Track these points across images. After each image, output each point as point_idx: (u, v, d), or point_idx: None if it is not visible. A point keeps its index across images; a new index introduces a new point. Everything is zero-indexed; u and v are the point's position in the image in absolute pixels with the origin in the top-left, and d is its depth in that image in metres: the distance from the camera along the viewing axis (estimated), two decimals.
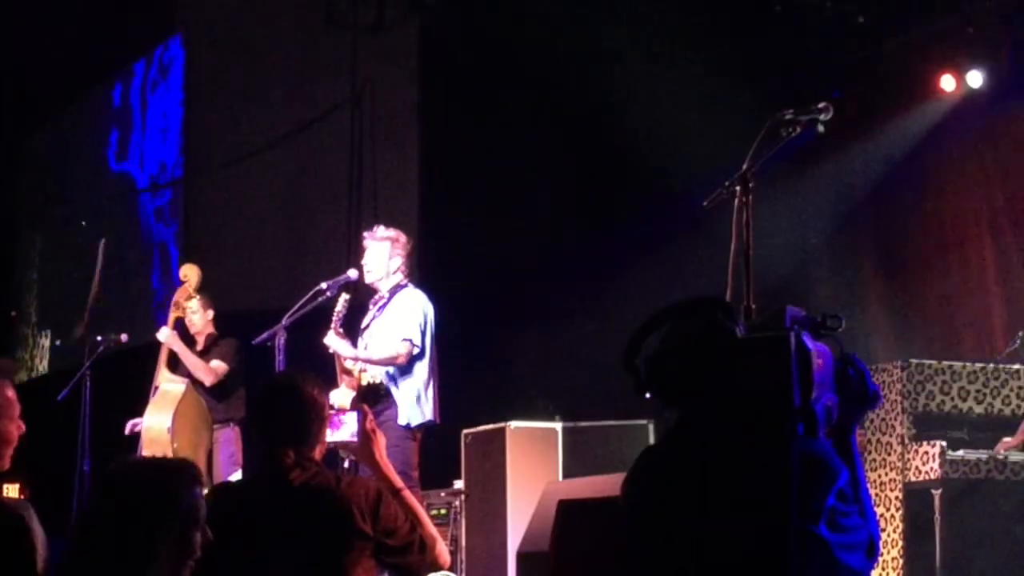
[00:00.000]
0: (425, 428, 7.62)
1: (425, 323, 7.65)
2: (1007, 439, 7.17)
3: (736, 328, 3.07)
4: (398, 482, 4.20)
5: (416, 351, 7.56)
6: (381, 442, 4.22)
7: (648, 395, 3.13)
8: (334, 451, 4.47)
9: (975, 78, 8.78)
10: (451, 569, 8.38)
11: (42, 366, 13.85)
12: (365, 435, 4.18)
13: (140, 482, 3.08)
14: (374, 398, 7.46)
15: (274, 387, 4.22)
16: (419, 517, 4.13)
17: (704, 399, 3.08)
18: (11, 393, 3.43)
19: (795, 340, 2.96)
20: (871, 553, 3.06)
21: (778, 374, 2.95)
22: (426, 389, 7.58)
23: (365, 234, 7.94)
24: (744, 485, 2.99)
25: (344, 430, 4.22)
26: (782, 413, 2.95)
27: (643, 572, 3.12)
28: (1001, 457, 7.08)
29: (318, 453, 4.09)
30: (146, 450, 8.31)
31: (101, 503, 3.09)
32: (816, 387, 2.97)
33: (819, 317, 3.15)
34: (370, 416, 4.25)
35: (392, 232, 7.83)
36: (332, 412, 4.19)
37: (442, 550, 4.18)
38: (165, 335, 8.66)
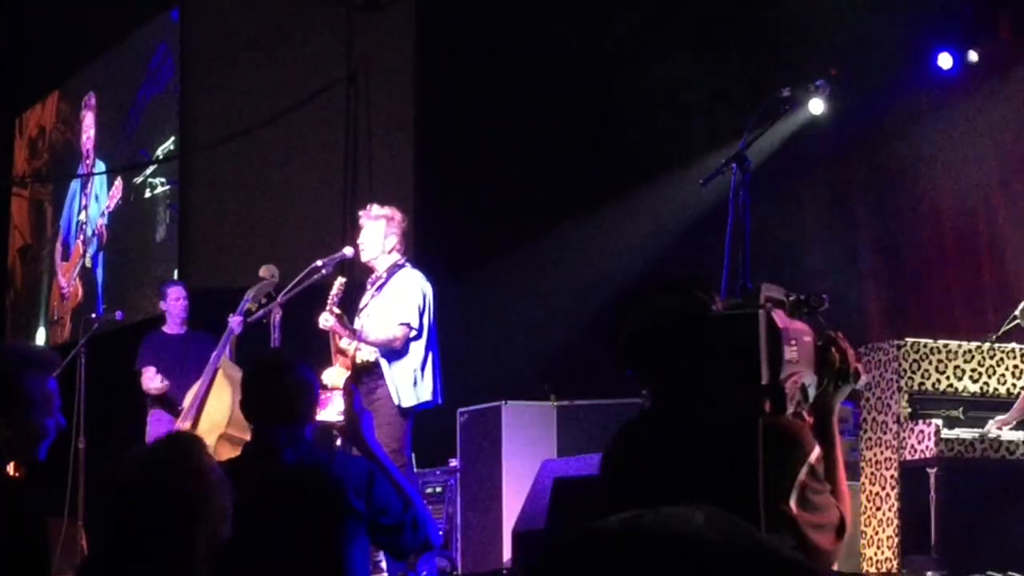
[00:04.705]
0: (424, 408, 7.59)
1: (424, 304, 7.62)
2: (1001, 416, 7.16)
3: (713, 306, 3.07)
4: (387, 461, 4.20)
5: (413, 334, 7.54)
6: (369, 421, 4.21)
7: (628, 372, 3.14)
8: (327, 430, 4.47)
9: (973, 56, 8.75)
10: (446, 547, 8.40)
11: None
12: (352, 414, 4.18)
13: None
14: (368, 377, 7.45)
15: (265, 366, 4.21)
16: (409, 496, 4.13)
17: (678, 377, 3.08)
18: (52, 386, 3.42)
19: (764, 317, 2.96)
20: (841, 533, 3.06)
21: (746, 351, 2.94)
22: (423, 370, 7.55)
23: (360, 212, 7.91)
24: (714, 462, 2.99)
25: (331, 409, 4.22)
26: (749, 390, 2.95)
27: None
28: (993, 436, 7.07)
29: (310, 432, 4.09)
30: (203, 424, 8.29)
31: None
32: (786, 365, 2.96)
33: (803, 296, 3.14)
34: (357, 396, 4.24)
35: (387, 210, 7.80)
36: (321, 391, 4.18)
37: (433, 529, 4.18)
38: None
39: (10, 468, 6.91)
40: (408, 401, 7.47)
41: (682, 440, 3.05)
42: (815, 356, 3.08)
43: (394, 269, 7.74)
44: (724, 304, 3.10)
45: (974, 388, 7.34)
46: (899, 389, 7.25)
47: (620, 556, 1.27)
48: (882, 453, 7.27)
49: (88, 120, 13.52)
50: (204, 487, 2.98)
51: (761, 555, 1.27)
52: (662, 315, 3.08)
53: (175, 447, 3.05)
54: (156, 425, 8.93)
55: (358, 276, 8.09)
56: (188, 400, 8.50)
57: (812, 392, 3.08)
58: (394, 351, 7.51)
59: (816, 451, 3.02)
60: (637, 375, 3.14)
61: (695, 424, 3.05)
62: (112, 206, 12.96)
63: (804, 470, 2.98)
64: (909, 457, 7.14)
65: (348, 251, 7.83)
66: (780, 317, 3.00)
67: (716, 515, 1.29)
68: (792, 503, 2.96)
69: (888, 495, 7.21)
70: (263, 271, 8.48)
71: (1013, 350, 7.43)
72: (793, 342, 3.00)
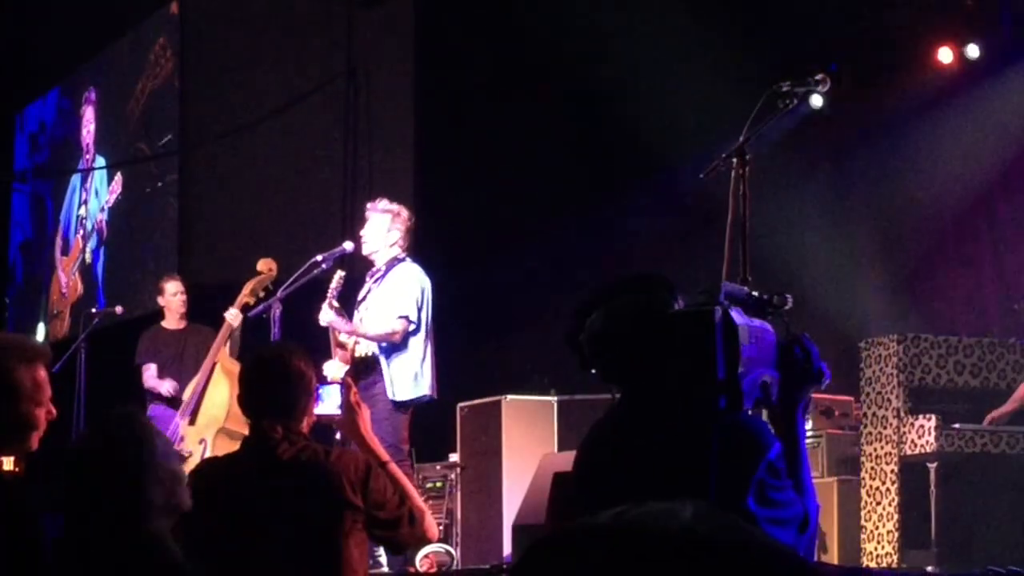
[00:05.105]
0: (421, 403, 7.59)
1: (422, 298, 7.62)
2: (996, 411, 7.17)
3: (675, 304, 3.09)
4: (383, 455, 4.19)
5: (412, 327, 7.54)
6: (365, 415, 4.21)
7: (592, 371, 3.16)
8: (327, 425, 4.46)
9: (973, 51, 8.74)
10: (444, 541, 8.40)
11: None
12: (349, 408, 4.17)
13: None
14: (367, 371, 7.45)
15: (261, 360, 4.19)
16: (406, 490, 4.12)
17: (641, 375, 3.10)
18: (42, 376, 3.44)
19: (720, 314, 2.97)
20: (804, 528, 3.07)
21: (703, 347, 2.96)
22: (422, 364, 7.55)
23: (368, 205, 7.93)
24: (672, 460, 3.01)
25: (328, 403, 4.21)
26: (706, 387, 2.97)
27: None
28: (992, 429, 7.07)
29: (306, 426, 4.08)
30: (201, 419, 8.30)
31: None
32: (745, 362, 2.98)
33: (765, 296, 3.16)
34: (354, 389, 4.23)
35: (394, 206, 7.81)
36: (317, 385, 4.17)
37: (430, 523, 4.17)
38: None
39: (10, 464, 6.92)
40: (406, 395, 7.46)
41: (645, 438, 3.08)
42: (777, 354, 3.10)
43: (393, 263, 7.74)
44: (686, 303, 3.12)
45: (974, 383, 7.34)
46: (899, 384, 7.25)
47: (609, 552, 1.26)
48: (882, 448, 7.27)
49: (88, 114, 13.52)
50: (144, 453, 3.06)
51: (751, 547, 1.26)
52: (624, 314, 3.10)
53: (111, 423, 3.18)
54: (155, 421, 8.93)
55: (358, 271, 8.08)
56: (187, 395, 8.50)
57: (774, 390, 3.09)
58: (394, 346, 7.52)
59: (776, 448, 3.03)
60: (601, 374, 3.16)
61: (657, 422, 3.07)
62: (112, 201, 12.96)
63: (762, 467, 2.99)
64: (909, 452, 7.15)
65: (348, 246, 7.83)
66: (738, 315, 3.01)
67: (704, 508, 1.28)
68: (750, 500, 2.97)
69: (888, 490, 7.21)
70: (262, 265, 8.47)
71: (1013, 345, 7.43)
72: (753, 339, 3.01)
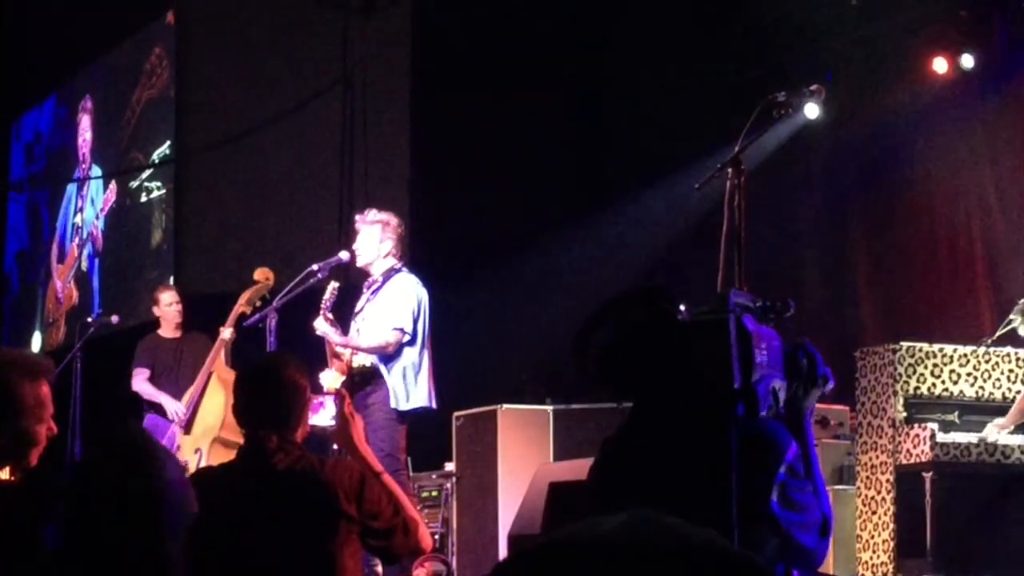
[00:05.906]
0: (417, 413, 7.58)
1: (418, 309, 7.61)
2: (999, 420, 7.17)
3: (679, 315, 3.10)
4: (377, 465, 4.20)
5: (407, 339, 7.53)
6: (359, 425, 4.21)
7: (601, 388, 3.17)
8: (321, 434, 4.46)
9: (967, 61, 8.76)
10: (440, 550, 8.39)
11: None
12: (343, 418, 4.17)
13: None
14: (363, 381, 7.44)
15: (256, 370, 4.20)
16: (401, 500, 4.12)
17: (652, 387, 3.11)
18: (45, 392, 3.43)
19: (735, 322, 3.00)
20: (824, 532, 3.09)
21: (718, 356, 2.98)
22: (417, 374, 7.54)
23: (357, 217, 7.91)
24: (691, 470, 3.03)
25: (323, 414, 4.22)
26: (723, 394, 2.99)
27: None
28: (991, 440, 7.08)
29: (300, 436, 4.09)
30: (196, 429, 8.29)
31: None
32: (758, 369, 3.00)
33: (768, 302, 3.18)
34: (348, 400, 4.24)
35: (384, 215, 7.80)
36: (313, 396, 4.17)
37: (424, 533, 4.18)
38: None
39: (5, 473, 6.89)
40: (403, 405, 7.46)
41: (662, 449, 3.09)
42: (784, 361, 3.12)
43: (390, 273, 7.73)
44: (691, 311, 3.14)
45: (970, 392, 7.34)
46: (895, 393, 7.25)
47: (543, 567, 1.29)
48: (878, 457, 7.27)
49: (84, 123, 13.52)
50: (156, 472, 2.99)
51: (678, 550, 1.28)
52: (632, 328, 3.12)
53: (117, 445, 3.11)
54: (151, 430, 8.92)
55: (354, 280, 8.07)
56: (183, 404, 8.50)
57: (782, 396, 3.12)
58: (388, 356, 7.51)
59: (793, 448, 3.06)
60: (612, 389, 3.17)
61: (673, 432, 3.09)
62: (107, 209, 12.95)
63: (783, 468, 3.01)
64: (905, 461, 7.15)
65: (344, 255, 7.83)
66: (750, 322, 3.03)
67: (638, 516, 1.30)
68: (774, 504, 2.98)
69: (884, 499, 7.21)
70: (258, 274, 8.47)
71: (1008, 354, 7.43)
72: (763, 346, 3.03)
